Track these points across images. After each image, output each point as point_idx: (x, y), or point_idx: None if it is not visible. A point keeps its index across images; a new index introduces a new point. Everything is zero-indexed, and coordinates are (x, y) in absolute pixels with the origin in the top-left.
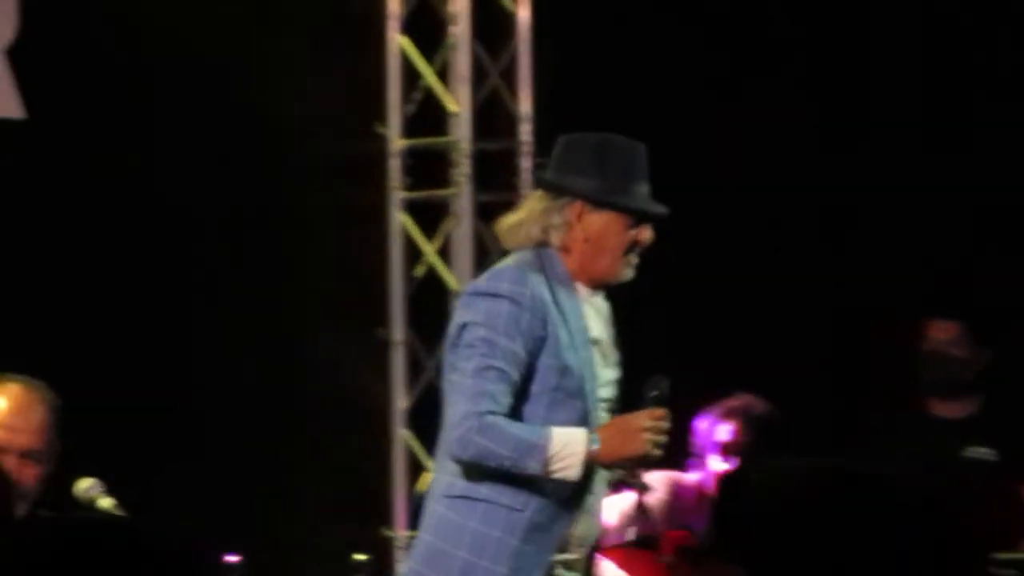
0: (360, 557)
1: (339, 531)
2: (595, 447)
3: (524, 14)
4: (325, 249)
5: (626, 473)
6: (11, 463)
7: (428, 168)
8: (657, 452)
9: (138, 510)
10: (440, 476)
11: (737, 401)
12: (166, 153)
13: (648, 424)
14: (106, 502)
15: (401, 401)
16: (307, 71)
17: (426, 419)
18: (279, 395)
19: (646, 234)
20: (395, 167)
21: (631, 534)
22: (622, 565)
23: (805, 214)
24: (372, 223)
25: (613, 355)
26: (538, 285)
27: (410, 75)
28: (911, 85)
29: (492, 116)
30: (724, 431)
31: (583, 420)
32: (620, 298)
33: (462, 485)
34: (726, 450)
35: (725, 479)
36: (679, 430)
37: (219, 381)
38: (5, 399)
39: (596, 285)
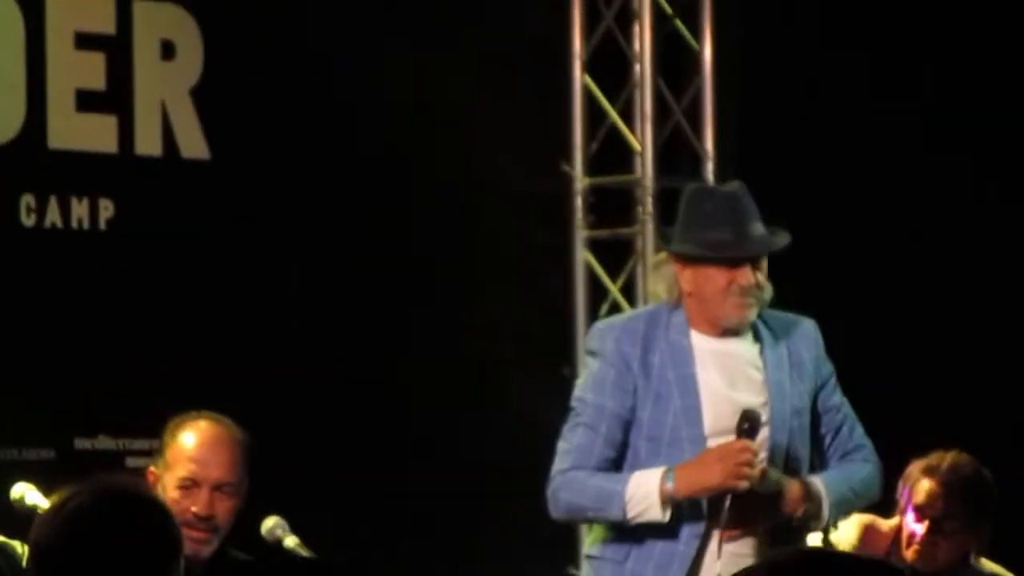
0: None
1: (530, 569)
2: (669, 484)
3: (707, 51)
4: (513, 287)
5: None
6: (203, 496)
7: (613, 206)
8: (742, 484)
9: (326, 551)
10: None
11: (944, 460)
12: (355, 194)
13: (729, 455)
14: (291, 540)
15: None
16: (495, 111)
17: None
18: (471, 435)
19: (741, 277)
20: (579, 205)
21: None
22: None
23: None
24: (557, 261)
25: (770, 395)
26: (626, 338)
27: (594, 114)
28: None
29: (676, 154)
30: (923, 490)
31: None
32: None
33: (587, 545)
34: (918, 509)
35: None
36: (893, 476)
37: (416, 420)
38: (196, 434)
39: (723, 332)
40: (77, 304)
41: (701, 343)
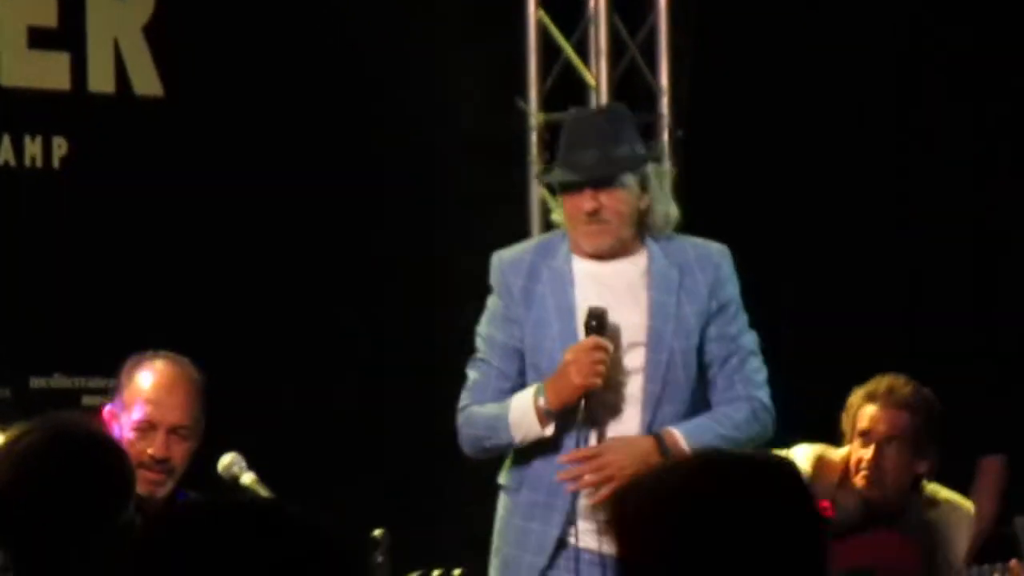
0: None
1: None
2: (541, 399)
3: None
4: (464, 224)
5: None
6: (159, 439)
7: None
8: (597, 381)
9: (282, 487)
10: None
11: (881, 383)
12: (308, 132)
13: (581, 353)
14: (248, 477)
15: None
16: (446, 47)
17: None
18: (421, 369)
19: (585, 203)
20: (534, 142)
21: None
22: None
23: None
24: (513, 198)
25: (651, 314)
26: (511, 269)
27: (549, 50)
28: None
29: (631, 90)
30: (866, 415)
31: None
32: None
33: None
34: (863, 435)
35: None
36: (838, 406)
37: (369, 358)
38: (153, 375)
39: (599, 257)
40: (31, 243)
41: (582, 268)
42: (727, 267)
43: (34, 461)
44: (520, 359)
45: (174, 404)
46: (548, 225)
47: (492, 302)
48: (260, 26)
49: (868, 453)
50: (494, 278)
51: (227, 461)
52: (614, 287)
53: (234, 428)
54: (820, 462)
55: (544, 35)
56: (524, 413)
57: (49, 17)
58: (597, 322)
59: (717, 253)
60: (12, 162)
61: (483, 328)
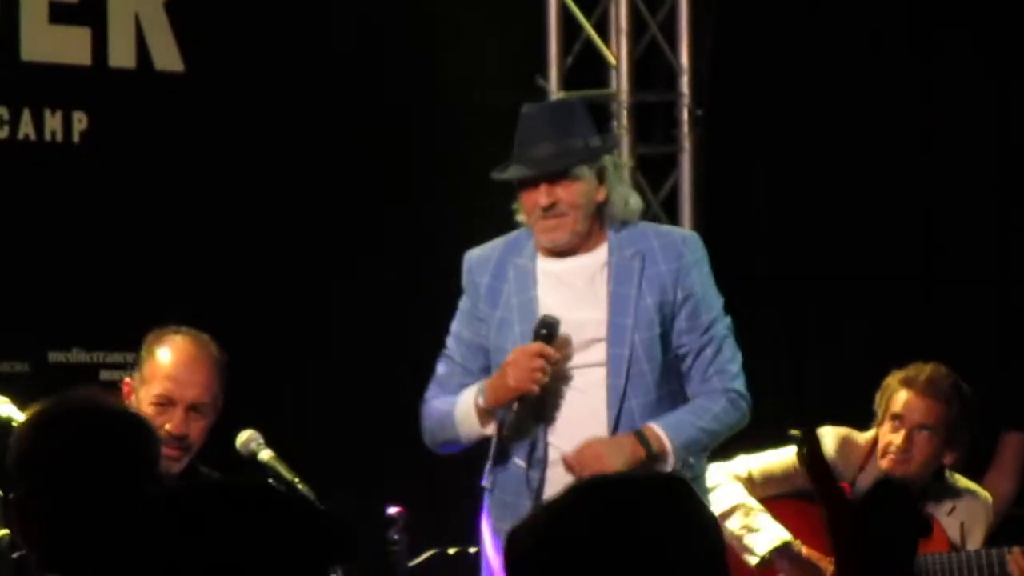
0: None
1: None
2: (480, 397)
3: None
4: (484, 202)
5: (513, 412)
6: (178, 415)
7: None
8: (533, 387)
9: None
10: None
11: (923, 371)
12: (329, 108)
13: (521, 358)
14: (266, 454)
15: None
16: (468, 26)
17: None
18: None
19: (539, 198)
20: None
21: None
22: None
23: None
24: None
25: (609, 309)
26: (478, 267)
27: (569, 27)
28: None
29: (651, 68)
30: (900, 400)
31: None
32: None
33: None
34: (895, 419)
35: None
36: (870, 388)
37: (390, 335)
38: (174, 352)
39: (557, 253)
40: (51, 217)
41: (545, 266)
42: (691, 254)
43: (59, 438)
44: (485, 356)
45: (194, 381)
46: None
47: (461, 299)
48: (280, 2)
49: (898, 439)
50: (464, 277)
51: (244, 437)
52: (574, 285)
53: (253, 404)
54: (845, 444)
55: (564, 13)
56: (467, 411)
57: None
58: (548, 331)
59: (681, 241)
60: (32, 136)
61: (453, 324)
